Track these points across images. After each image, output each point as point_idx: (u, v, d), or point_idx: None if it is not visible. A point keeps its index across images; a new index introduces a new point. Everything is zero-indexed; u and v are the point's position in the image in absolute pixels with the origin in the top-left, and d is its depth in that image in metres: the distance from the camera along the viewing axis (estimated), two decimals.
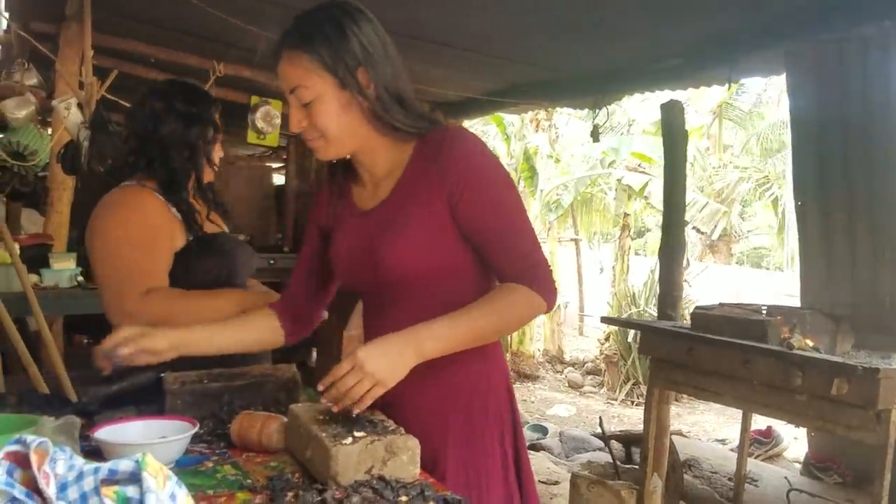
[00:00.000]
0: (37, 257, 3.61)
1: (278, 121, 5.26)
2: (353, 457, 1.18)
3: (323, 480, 1.19)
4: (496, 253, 1.36)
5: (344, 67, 1.31)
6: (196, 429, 1.35)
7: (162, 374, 1.59)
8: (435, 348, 1.28)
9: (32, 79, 4.32)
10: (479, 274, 1.41)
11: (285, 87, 1.35)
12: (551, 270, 1.39)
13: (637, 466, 3.54)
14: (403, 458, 1.22)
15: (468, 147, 1.36)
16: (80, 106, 2.92)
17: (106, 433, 1.29)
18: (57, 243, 3.92)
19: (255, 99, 5.26)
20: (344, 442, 1.19)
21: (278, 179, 6.74)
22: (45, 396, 1.50)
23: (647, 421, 2.96)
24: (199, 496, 1.17)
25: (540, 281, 1.34)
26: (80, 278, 3.55)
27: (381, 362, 1.23)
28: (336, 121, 1.33)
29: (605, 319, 3.90)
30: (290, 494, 1.15)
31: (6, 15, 3.98)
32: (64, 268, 3.54)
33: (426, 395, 1.40)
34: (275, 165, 7.05)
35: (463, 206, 1.33)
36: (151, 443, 1.27)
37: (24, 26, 3.99)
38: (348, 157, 1.46)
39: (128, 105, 3.94)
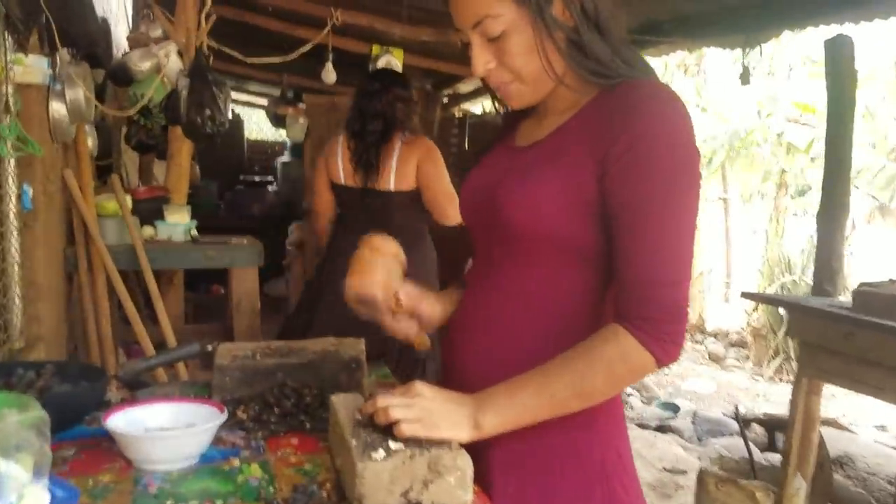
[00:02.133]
0: (153, 210, 3.63)
1: (399, 70, 5.05)
2: (383, 476, 0.93)
3: (351, 500, 0.96)
4: (619, 254, 1.03)
5: None
6: (223, 417, 1.16)
7: (209, 347, 1.42)
8: (494, 423, 1.02)
9: (157, 30, 4.33)
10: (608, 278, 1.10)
11: (466, 21, 1.08)
12: (683, 312, 1.01)
13: (781, 455, 3.11)
14: (450, 479, 0.96)
15: (657, 110, 1.02)
16: (180, 54, 2.81)
17: (120, 421, 1.12)
18: (176, 195, 3.94)
19: (375, 49, 5.05)
20: (374, 456, 0.94)
21: None
22: (83, 367, 1.36)
23: (792, 413, 2.54)
24: None
25: (654, 324, 0.99)
26: (194, 232, 3.54)
27: (434, 405, 1.02)
28: (533, 56, 1.06)
29: (746, 295, 3.38)
30: None
31: None
32: (177, 221, 3.54)
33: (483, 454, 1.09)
34: None
35: (611, 175, 1.02)
36: (165, 436, 1.09)
37: None
38: None
39: (237, 54, 3.93)
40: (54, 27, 2.44)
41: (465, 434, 1.01)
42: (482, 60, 1.09)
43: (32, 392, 1.27)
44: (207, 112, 2.77)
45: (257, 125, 9.35)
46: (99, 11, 3.81)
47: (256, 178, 7.97)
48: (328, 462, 1.13)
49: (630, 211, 1.01)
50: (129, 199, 3.34)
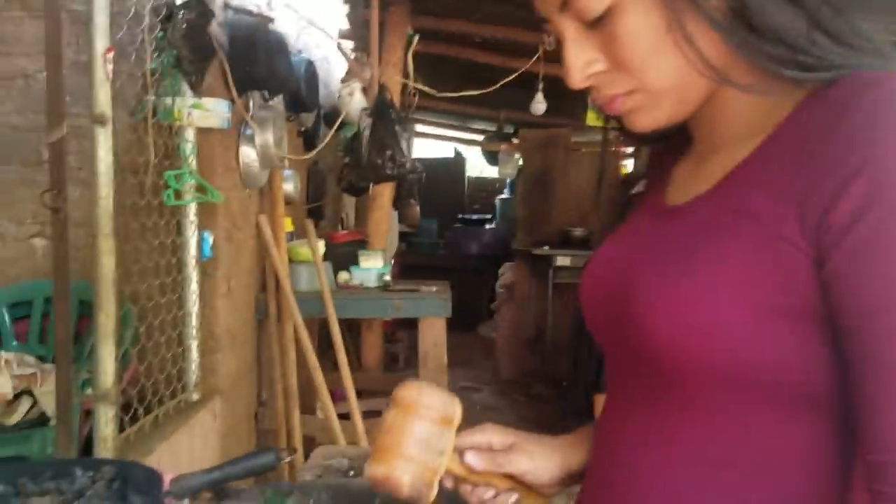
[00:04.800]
0: (351, 254, 3.51)
1: None
2: None
3: None
4: (868, 399, 0.55)
5: None
6: None
7: (286, 457, 1.10)
8: None
9: (369, 72, 4.30)
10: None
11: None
12: None
13: None
14: None
15: None
16: (364, 91, 2.63)
17: None
18: (375, 239, 3.81)
19: None
20: None
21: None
22: (145, 473, 1.10)
23: None
24: None
25: None
26: (387, 278, 3.35)
27: None
28: (663, 49, 0.62)
29: None
30: None
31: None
32: (371, 266, 3.37)
33: None
34: (627, 150, 6.35)
35: (838, 255, 0.55)
36: None
37: (360, 16, 3.99)
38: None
39: (434, 92, 3.73)
40: (227, 68, 2.36)
41: None
42: (581, 60, 0.65)
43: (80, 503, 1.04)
44: (388, 153, 2.54)
45: (481, 162, 9.31)
46: (309, 55, 3.83)
47: (474, 217, 7.84)
48: None
49: (875, 321, 0.53)
50: (322, 245, 3.24)
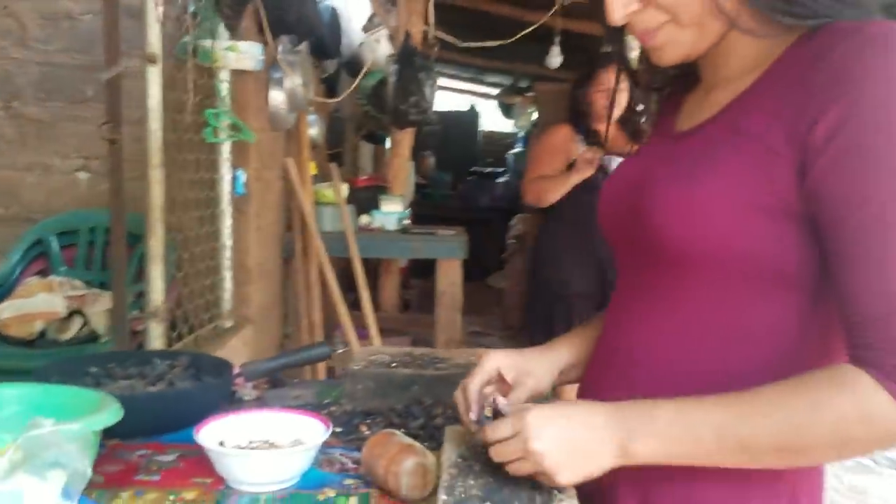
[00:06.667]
0: (372, 199, 3.67)
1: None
2: None
3: None
4: (847, 274, 0.70)
5: None
6: (328, 433, 0.98)
7: (339, 349, 1.27)
8: (651, 451, 0.74)
9: (394, 19, 4.36)
10: (824, 307, 0.76)
11: None
12: None
13: None
14: None
15: (887, 63, 0.68)
16: (391, 39, 2.74)
17: (217, 432, 0.99)
18: (395, 185, 3.95)
19: None
20: None
21: None
22: (215, 362, 1.27)
23: None
24: None
25: None
26: (406, 222, 3.51)
27: (555, 445, 0.74)
28: None
29: None
30: None
31: None
32: (391, 210, 3.53)
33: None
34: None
35: (819, 165, 0.70)
36: (241, 454, 0.94)
37: None
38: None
39: (457, 41, 3.82)
40: (263, 13, 2.48)
41: (609, 463, 0.75)
42: (621, 2, 0.78)
43: (161, 384, 1.21)
44: (412, 99, 2.67)
45: (494, 117, 9.38)
46: (331, 2, 3.91)
47: (487, 170, 7.96)
48: None
49: (855, 212, 0.68)
50: (346, 188, 3.39)
